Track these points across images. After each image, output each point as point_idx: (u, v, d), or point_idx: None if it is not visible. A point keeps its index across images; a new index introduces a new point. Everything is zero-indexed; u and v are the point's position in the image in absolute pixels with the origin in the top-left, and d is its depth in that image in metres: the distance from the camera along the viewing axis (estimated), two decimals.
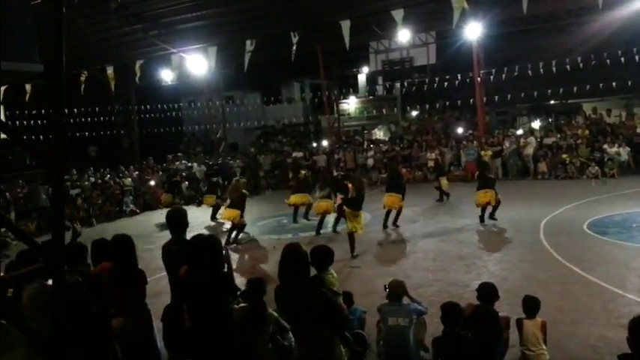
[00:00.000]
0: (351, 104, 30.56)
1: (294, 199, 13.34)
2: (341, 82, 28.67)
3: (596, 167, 17.02)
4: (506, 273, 7.93)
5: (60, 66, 3.22)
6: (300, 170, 14.34)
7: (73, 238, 11.93)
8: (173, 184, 18.19)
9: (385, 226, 11.66)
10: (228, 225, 14.14)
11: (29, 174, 18.25)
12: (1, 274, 4.61)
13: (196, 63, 21.09)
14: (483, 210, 11.37)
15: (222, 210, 12.98)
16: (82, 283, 4.02)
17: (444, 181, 15.29)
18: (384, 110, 29.76)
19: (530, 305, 4.94)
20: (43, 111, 20.69)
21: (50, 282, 4.21)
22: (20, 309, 4.21)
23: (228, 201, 11.87)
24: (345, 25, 14.55)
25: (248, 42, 15.83)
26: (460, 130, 23.22)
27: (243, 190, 11.76)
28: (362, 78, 30.36)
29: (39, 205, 16.32)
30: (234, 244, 11.33)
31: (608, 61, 18.92)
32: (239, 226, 11.55)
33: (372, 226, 11.77)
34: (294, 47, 15.55)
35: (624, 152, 17.27)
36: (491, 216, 11.39)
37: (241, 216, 11.44)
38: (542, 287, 6.91)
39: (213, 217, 14.69)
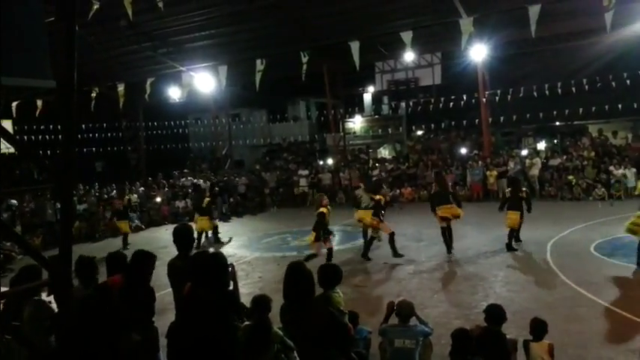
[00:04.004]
0: (356, 123, 30.71)
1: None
2: (347, 101, 28.84)
3: (603, 189, 16.94)
4: (512, 294, 7.85)
5: (71, 82, 3.27)
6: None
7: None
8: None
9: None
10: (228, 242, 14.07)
11: (36, 189, 18.35)
12: (5, 288, 4.61)
13: (204, 81, 21.32)
14: (512, 234, 10.73)
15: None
16: (93, 297, 4.00)
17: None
18: (389, 129, 29.91)
19: (538, 328, 4.87)
20: (51, 126, 20.92)
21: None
22: (21, 324, 4.21)
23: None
24: (355, 46, 14.71)
25: (258, 61, 16.02)
26: (464, 151, 23.28)
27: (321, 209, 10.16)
28: (367, 97, 30.54)
29: (45, 220, 16.38)
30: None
31: (613, 83, 18.98)
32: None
33: (377, 247, 11.70)
34: (305, 67, 15.72)
35: (630, 174, 17.19)
36: (517, 238, 10.97)
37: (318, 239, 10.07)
38: (549, 309, 6.82)
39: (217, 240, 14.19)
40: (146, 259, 4.60)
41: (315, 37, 19.30)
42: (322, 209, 9.99)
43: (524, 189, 11.41)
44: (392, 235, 10.58)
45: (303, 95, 32.02)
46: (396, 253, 10.53)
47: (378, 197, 10.62)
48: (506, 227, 10.80)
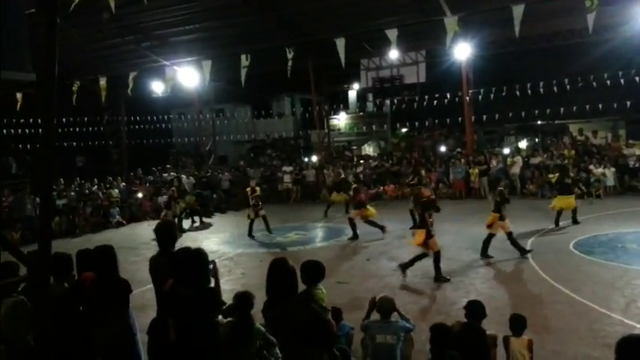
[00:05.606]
0: (341, 120, 30.73)
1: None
2: (331, 98, 28.85)
3: (583, 187, 17.18)
4: (493, 291, 7.96)
5: (52, 76, 3.22)
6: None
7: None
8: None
9: None
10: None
11: (15, 183, 18.03)
12: None
13: (188, 76, 21.13)
14: (559, 214, 12.46)
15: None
16: (68, 292, 3.96)
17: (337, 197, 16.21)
18: (373, 126, 29.98)
19: (517, 323, 4.94)
20: (31, 120, 20.55)
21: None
22: None
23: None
24: (341, 43, 14.70)
25: (243, 57, 15.92)
26: (443, 148, 23.51)
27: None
28: (352, 94, 30.59)
29: (24, 215, 16.10)
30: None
31: (594, 83, 19.27)
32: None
33: (360, 243, 11.76)
34: (290, 63, 15.67)
35: (609, 173, 17.48)
36: (575, 220, 12.68)
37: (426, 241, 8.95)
38: (529, 306, 6.94)
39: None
40: (105, 252, 4.58)
41: (301, 33, 19.25)
42: (425, 200, 9.27)
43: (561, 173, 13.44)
44: (509, 234, 10.07)
45: (288, 91, 31.93)
46: (523, 251, 9.98)
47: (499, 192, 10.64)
48: (554, 209, 12.51)
